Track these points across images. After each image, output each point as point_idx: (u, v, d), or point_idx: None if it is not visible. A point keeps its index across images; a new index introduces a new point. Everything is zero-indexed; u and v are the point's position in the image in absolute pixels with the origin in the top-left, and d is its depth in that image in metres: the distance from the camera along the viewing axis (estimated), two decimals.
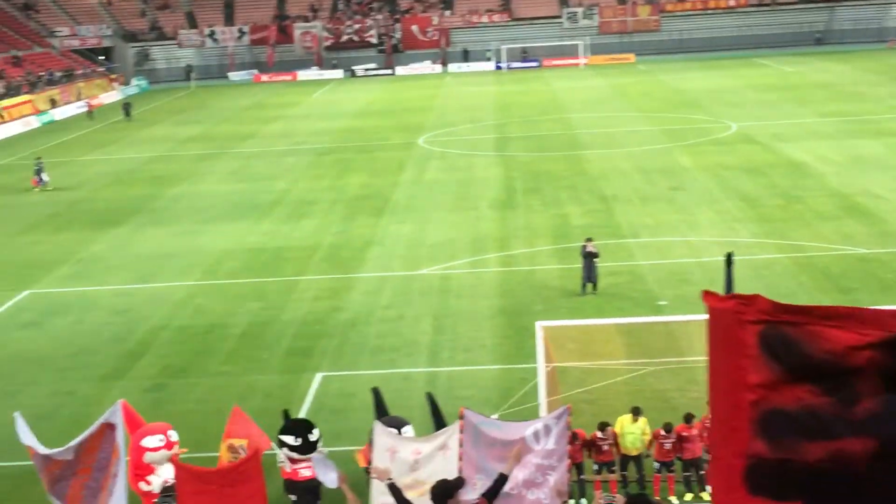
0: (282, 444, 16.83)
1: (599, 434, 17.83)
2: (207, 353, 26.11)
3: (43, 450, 12.16)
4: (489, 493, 11.23)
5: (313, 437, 16.81)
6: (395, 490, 11.41)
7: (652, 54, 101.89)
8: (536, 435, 12.61)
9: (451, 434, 14.04)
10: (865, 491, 2.51)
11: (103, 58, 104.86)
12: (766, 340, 2.75)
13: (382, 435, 14.27)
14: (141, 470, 17.01)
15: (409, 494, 12.57)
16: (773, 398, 2.57)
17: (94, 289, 32.29)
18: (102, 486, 11.68)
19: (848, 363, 2.60)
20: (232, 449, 16.30)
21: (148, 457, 16.97)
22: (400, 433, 15.45)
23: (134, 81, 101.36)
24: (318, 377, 24.01)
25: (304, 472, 16.38)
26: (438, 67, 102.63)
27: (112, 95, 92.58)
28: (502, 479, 11.33)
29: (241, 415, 17.12)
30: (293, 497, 16.54)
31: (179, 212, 42.75)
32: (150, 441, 16.95)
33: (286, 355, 25.67)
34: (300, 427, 16.93)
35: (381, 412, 16.54)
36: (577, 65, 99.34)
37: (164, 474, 16.94)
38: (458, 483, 11.74)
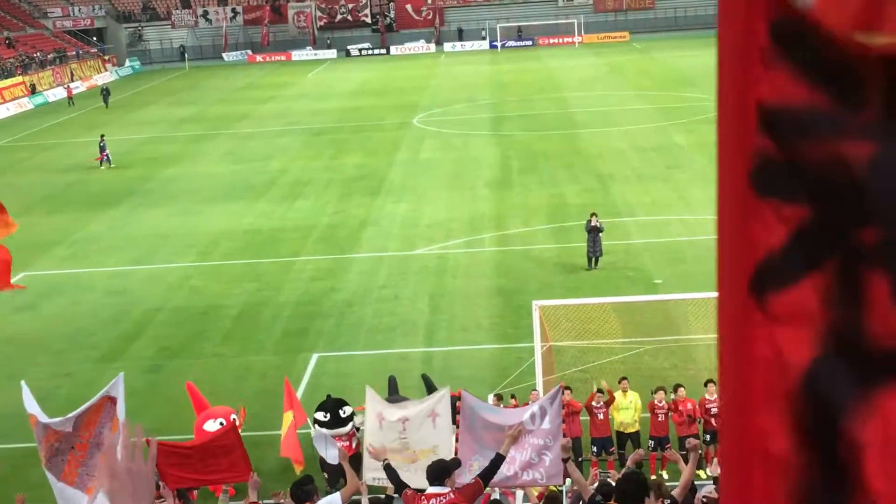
0: (315, 421, 17.04)
1: (594, 403, 17.87)
2: (203, 335, 26.11)
3: (44, 418, 12.15)
4: (485, 474, 11.24)
5: (344, 413, 16.99)
6: (390, 471, 11.43)
7: (647, 32, 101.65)
8: (533, 418, 12.67)
9: (440, 400, 14.09)
10: (868, 196, 2.47)
11: (96, 39, 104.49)
12: (778, 31, 2.67)
13: (372, 401, 14.33)
14: None
15: (397, 458, 12.62)
16: (780, 94, 2.50)
17: (90, 270, 32.25)
18: (99, 463, 11.64)
19: (860, 69, 2.55)
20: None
21: None
22: None
23: (127, 62, 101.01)
24: (315, 358, 24.03)
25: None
26: (433, 47, 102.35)
27: (105, 76, 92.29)
28: (499, 460, 11.34)
29: (289, 387, 17.51)
30: (325, 475, 16.61)
31: (174, 193, 42.66)
32: (211, 425, 17.14)
33: (282, 336, 25.67)
34: (331, 404, 17.13)
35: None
36: (572, 43, 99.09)
37: None
38: (455, 463, 11.76)
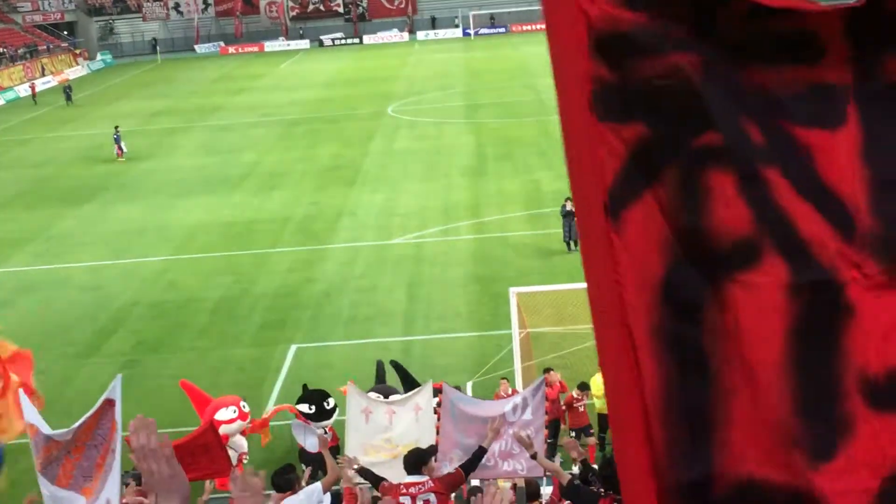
0: (298, 413, 17.02)
1: (575, 394, 17.94)
2: (180, 329, 26.01)
3: (46, 429, 11.97)
4: (467, 466, 11.25)
5: (328, 405, 16.96)
6: (365, 473, 11.45)
7: None
8: (515, 409, 12.67)
9: (423, 394, 14.08)
10: (703, 103, 2.57)
11: (67, 33, 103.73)
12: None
13: (356, 396, 14.29)
14: None
15: (381, 456, 12.63)
16: (607, 19, 2.58)
17: (65, 266, 32.06)
18: (98, 465, 11.52)
19: None
20: None
21: (223, 429, 17.19)
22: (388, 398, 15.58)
23: (99, 56, 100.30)
24: (293, 349, 23.98)
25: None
26: (406, 35, 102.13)
27: (77, 70, 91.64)
28: (481, 453, 11.35)
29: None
30: (304, 467, 16.59)
31: (149, 187, 42.44)
32: (224, 414, 17.22)
33: (260, 328, 25.60)
34: (315, 396, 17.10)
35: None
36: (545, 30, 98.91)
37: (237, 446, 17.18)
38: (431, 450, 11.79)
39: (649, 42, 2.45)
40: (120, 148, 48.14)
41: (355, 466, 11.55)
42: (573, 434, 18.09)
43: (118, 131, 49.10)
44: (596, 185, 2.51)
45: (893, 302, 2.35)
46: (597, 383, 18.17)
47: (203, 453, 12.12)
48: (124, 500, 13.79)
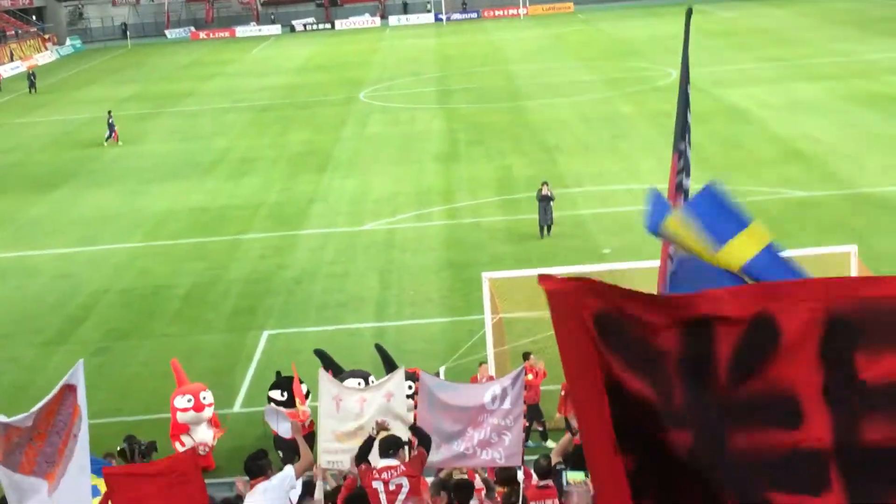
0: (269, 400, 16.95)
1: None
2: (152, 316, 25.88)
3: (3, 418, 11.81)
4: (424, 442, 11.34)
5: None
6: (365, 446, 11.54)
7: (591, 3, 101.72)
8: (494, 399, 12.68)
9: (394, 380, 14.08)
10: (688, 483, 2.65)
11: (35, 18, 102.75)
12: (601, 324, 2.84)
13: (327, 384, 14.26)
14: (175, 429, 17.22)
15: (353, 443, 12.63)
16: (619, 378, 2.67)
17: (34, 253, 31.82)
18: (60, 450, 11.42)
19: (658, 351, 2.73)
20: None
21: (179, 417, 17.12)
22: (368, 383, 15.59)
23: (68, 41, 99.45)
24: (265, 335, 23.92)
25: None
26: (378, 20, 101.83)
27: (46, 56, 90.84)
28: (420, 430, 11.48)
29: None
30: (280, 454, 16.57)
31: (119, 173, 42.16)
32: (179, 401, 17.12)
33: (232, 315, 25.51)
34: (286, 382, 17.05)
35: (389, 366, 16.51)
36: (517, 15, 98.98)
37: (198, 436, 17.06)
38: (405, 441, 11.84)
39: (654, 415, 2.51)
40: (114, 132, 47.66)
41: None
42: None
43: (111, 116, 48.65)
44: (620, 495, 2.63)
45: None
46: None
47: (180, 485, 11.83)
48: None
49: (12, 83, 73.78)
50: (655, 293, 2.97)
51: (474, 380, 17.43)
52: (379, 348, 17.43)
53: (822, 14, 79.95)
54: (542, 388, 18.42)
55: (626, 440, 2.62)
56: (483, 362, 18.28)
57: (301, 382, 17.07)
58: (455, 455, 12.71)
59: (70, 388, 11.50)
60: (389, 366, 16.40)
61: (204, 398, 17.38)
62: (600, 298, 2.77)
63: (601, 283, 2.86)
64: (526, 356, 18.48)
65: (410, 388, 14.90)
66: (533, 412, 18.26)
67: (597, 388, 2.61)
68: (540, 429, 18.45)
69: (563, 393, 18.31)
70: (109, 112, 49.53)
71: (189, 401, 17.19)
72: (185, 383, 17.82)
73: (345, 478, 12.88)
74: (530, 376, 18.02)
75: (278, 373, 17.78)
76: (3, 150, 49.07)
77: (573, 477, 10.83)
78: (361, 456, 11.21)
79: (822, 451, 2.67)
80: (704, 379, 2.61)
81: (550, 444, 17.25)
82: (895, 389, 2.60)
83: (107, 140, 47.68)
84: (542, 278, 3.19)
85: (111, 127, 47.90)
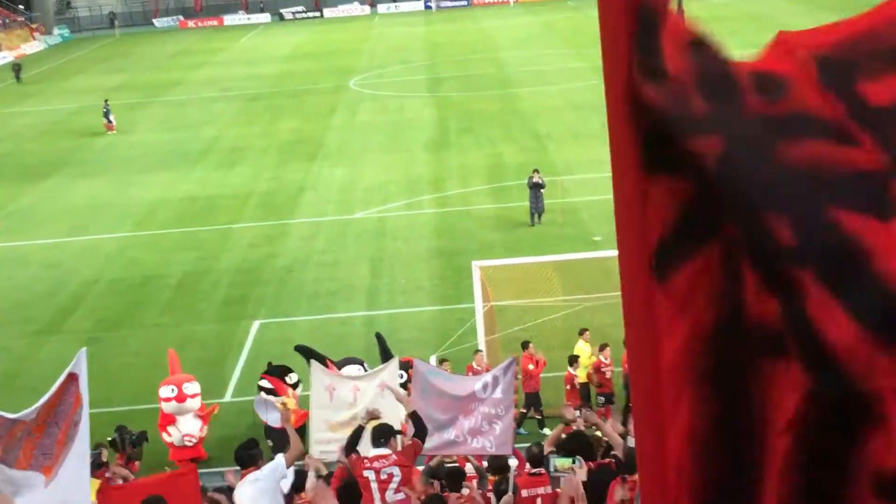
0: (260, 389, 16.92)
1: (603, 358, 18.07)
2: (142, 305, 25.84)
3: (9, 414, 11.58)
4: (419, 433, 11.32)
5: (290, 380, 16.90)
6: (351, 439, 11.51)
7: None
8: (485, 387, 12.70)
9: (388, 370, 14.09)
10: (721, 194, 2.56)
11: (22, 7, 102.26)
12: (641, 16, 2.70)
13: (320, 374, 14.26)
14: (163, 420, 17.19)
15: (345, 432, 12.62)
16: (643, 97, 2.55)
17: (24, 243, 31.74)
18: (59, 441, 11.33)
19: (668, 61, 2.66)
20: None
21: (163, 407, 17.09)
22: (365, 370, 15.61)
23: (56, 30, 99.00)
24: (256, 325, 23.90)
25: None
26: (367, 8, 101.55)
27: (34, 45, 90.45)
28: (418, 418, 11.46)
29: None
30: (270, 442, 16.55)
31: (108, 163, 42.04)
32: (163, 391, 17.08)
33: (223, 304, 25.49)
34: (277, 371, 17.04)
35: (386, 356, 16.49)
36: (507, 2, 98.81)
37: (184, 427, 17.01)
38: (397, 430, 11.84)
39: (681, 120, 2.41)
40: (109, 121, 47.43)
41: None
42: (602, 400, 18.11)
43: (108, 104, 48.37)
44: (643, 242, 2.48)
45: None
46: (584, 352, 18.37)
47: (177, 499, 11.78)
48: (111, 469, 13.69)
49: (1, 72, 73.40)
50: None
51: (469, 368, 17.46)
52: (379, 338, 17.37)
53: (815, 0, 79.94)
54: (541, 375, 18.46)
55: (655, 157, 2.50)
56: (478, 350, 18.29)
57: (290, 371, 17.06)
58: (445, 442, 12.73)
59: (73, 378, 11.44)
60: (385, 356, 16.37)
61: (186, 389, 17.26)
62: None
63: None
64: (525, 345, 18.54)
65: (402, 377, 14.91)
66: (533, 400, 18.33)
67: (626, 101, 2.50)
68: (538, 417, 18.50)
69: (567, 387, 18.38)
70: (106, 101, 49.18)
71: (172, 391, 17.12)
72: (176, 374, 17.79)
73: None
74: (531, 366, 18.09)
75: (269, 363, 17.78)
76: None
77: (561, 463, 10.86)
78: (350, 446, 11.19)
79: (881, 170, 2.53)
80: (730, 93, 2.47)
81: (547, 431, 17.29)
82: None
83: (108, 130, 47.43)
84: None
85: (106, 115, 47.58)
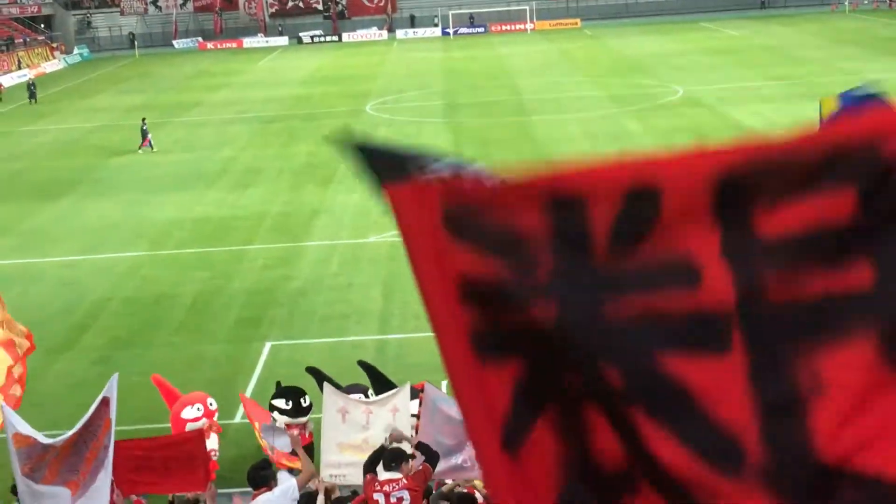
0: (273, 409, 16.87)
1: None
2: (155, 325, 25.88)
3: (44, 439, 11.47)
4: (430, 459, 11.33)
5: (305, 402, 16.82)
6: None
7: (598, 19, 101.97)
8: None
9: (401, 395, 14.06)
10: (562, 348, 2.64)
11: (44, 26, 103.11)
12: (452, 218, 2.84)
13: (332, 396, 14.24)
14: None
15: (358, 455, 12.61)
16: (470, 269, 2.69)
17: (39, 261, 31.87)
18: (87, 458, 11.38)
19: (522, 232, 2.73)
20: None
21: (189, 427, 17.06)
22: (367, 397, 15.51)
23: (76, 50, 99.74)
24: (268, 346, 23.91)
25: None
26: (385, 34, 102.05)
27: (54, 64, 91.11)
28: (428, 447, 11.45)
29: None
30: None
31: (124, 182, 42.23)
32: (188, 412, 17.00)
33: (235, 325, 25.51)
34: (291, 392, 16.97)
35: (378, 381, 16.38)
36: (524, 30, 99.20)
37: (209, 443, 17.03)
38: (409, 454, 11.83)
39: (511, 292, 2.52)
40: (147, 140, 47.58)
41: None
42: None
43: (145, 122, 48.58)
44: (491, 422, 2.62)
45: None
46: None
47: (186, 460, 11.90)
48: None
49: (18, 91, 73.90)
50: (507, 180, 3.00)
51: None
52: (364, 365, 17.01)
53: (829, 33, 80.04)
54: None
55: (485, 345, 2.66)
56: None
57: (304, 393, 17.02)
58: (453, 467, 12.71)
59: (105, 402, 11.52)
60: (379, 383, 16.13)
61: (211, 404, 17.36)
62: (448, 196, 2.77)
63: (446, 180, 2.86)
64: None
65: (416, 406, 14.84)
66: None
67: (451, 296, 2.66)
68: None
69: None
70: (143, 119, 49.44)
71: (199, 409, 17.11)
72: (177, 395, 17.73)
73: (353, 493, 12.84)
74: None
75: (278, 382, 17.75)
76: (8, 157, 49.17)
77: None
78: (371, 464, 11.21)
79: (723, 311, 2.62)
80: (578, 253, 2.58)
81: None
82: (794, 243, 2.54)
83: (140, 148, 47.68)
84: (385, 187, 3.22)
85: (144, 134, 47.78)
